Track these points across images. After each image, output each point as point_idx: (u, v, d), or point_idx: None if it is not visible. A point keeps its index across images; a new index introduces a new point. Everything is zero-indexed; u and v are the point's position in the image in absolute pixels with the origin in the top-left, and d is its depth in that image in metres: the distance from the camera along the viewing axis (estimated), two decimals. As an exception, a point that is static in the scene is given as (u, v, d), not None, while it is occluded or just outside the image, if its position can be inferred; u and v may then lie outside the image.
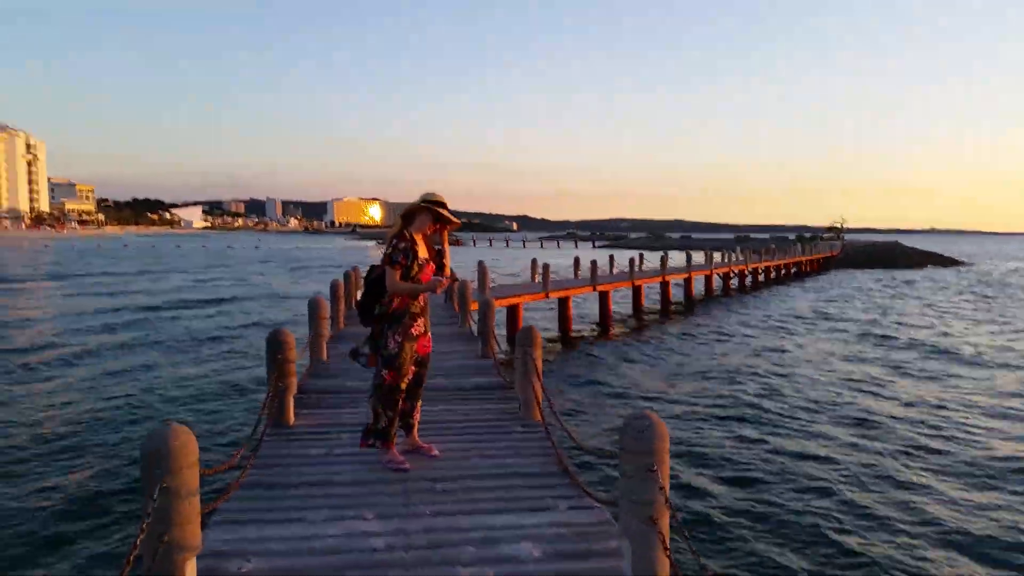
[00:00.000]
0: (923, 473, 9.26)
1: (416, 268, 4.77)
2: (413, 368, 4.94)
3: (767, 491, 8.54)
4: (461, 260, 64.90)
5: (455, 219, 4.91)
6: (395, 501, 4.25)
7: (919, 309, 29.18)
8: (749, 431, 11.07)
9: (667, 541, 3.08)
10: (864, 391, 14.00)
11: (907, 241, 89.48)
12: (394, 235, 4.84)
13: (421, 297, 4.89)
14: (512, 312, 19.21)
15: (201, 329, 22.29)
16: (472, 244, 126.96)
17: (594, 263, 23.36)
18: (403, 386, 4.86)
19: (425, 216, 4.82)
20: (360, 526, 3.88)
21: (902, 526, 7.64)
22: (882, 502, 8.25)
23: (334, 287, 12.36)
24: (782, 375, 15.39)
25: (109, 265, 57.75)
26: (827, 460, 9.74)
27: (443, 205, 4.86)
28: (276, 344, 5.94)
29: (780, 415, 12.08)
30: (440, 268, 4.94)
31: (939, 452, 10.14)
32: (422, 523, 3.92)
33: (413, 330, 4.85)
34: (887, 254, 69.28)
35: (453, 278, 4.97)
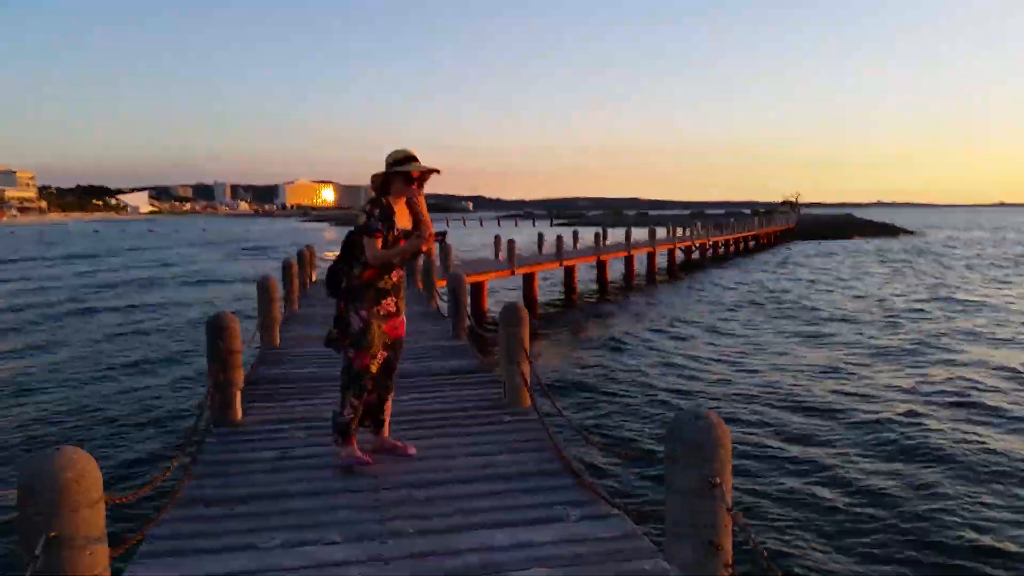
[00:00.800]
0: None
1: (392, 239, 4.04)
2: (384, 352, 4.16)
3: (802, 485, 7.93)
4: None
5: (431, 168, 4.14)
6: (368, 517, 3.46)
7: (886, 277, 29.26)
8: (771, 412, 10.50)
9: (734, 573, 2.35)
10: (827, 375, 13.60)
11: (860, 214, 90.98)
12: (369, 201, 4.12)
13: (394, 273, 4.16)
14: (476, 290, 18.41)
15: (132, 320, 19.74)
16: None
17: (560, 238, 22.67)
18: (373, 370, 4.12)
19: (399, 182, 4.06)
20: (326, 554, 3.07)
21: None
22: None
23: (287, 266, 11.42)
24: (753, 350, 14.93)
25: (44, 251, 55.09)
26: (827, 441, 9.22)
27: (413, 159, 4.09)
28: (218, 331, 5.06)
29: (767, 395, 11.56)
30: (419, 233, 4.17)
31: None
32: (404, 546, 3.13)
33: (381, 308, 4.12)
34: (841, 226, 70.39)
35: (440, 236, 4.14)
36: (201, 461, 4.27)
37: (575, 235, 27.96)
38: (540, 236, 25.41)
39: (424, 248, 4.09)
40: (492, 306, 20.43)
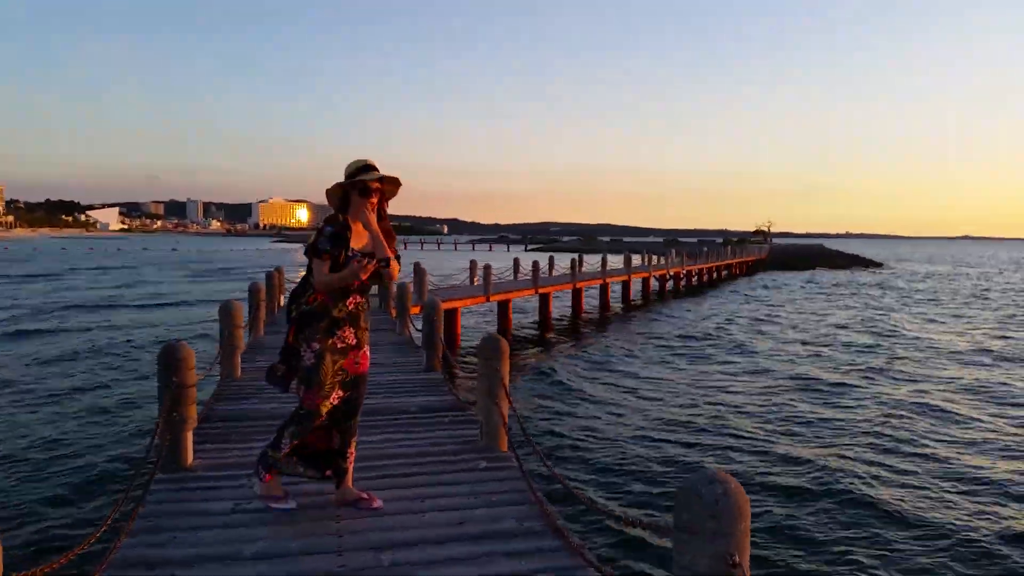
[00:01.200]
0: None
1: (346, 261, 3.60)
2: (340, 392, 3.74)
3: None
4: (392, 263, 63.10)
5: (391, 177, 3.74)
6: (327, 589, 3.04)
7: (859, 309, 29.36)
8: (744, 443, 10.19)
9: None
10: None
11: (829, 244, 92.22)
12: (325, 219, 3.73)
13: (350, 301, 3.71)
14: (449, 317, 18.01)
15: (79, 346, 18.03)
16: (403, 247, 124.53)
17: (536, 264, 22.37)
18: (324, 411, 3.68)
19: (356, 196, 3.66)
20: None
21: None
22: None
23: (253, 290, 10.94)
24: (743, 376, 14.69)
25: (6, 268, 53.57)
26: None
27: (371, 169, 3.68)
28: (169, 362, 4.62)
29: (760, 427, 11.27)
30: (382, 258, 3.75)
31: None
32: (367, 626, 2.72)
33: (337, 340, 3.68)
34: (811, 257, 71.09)
35: (382, 263, 3.72)
36: (142, 515, 3.82)
37: (551, 261, 27.72)
38: (516, 261, 25.11)
39: (363, 277, 3.63)
40: (464, 333, 20.03)
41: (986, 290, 43.23)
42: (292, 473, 3.80)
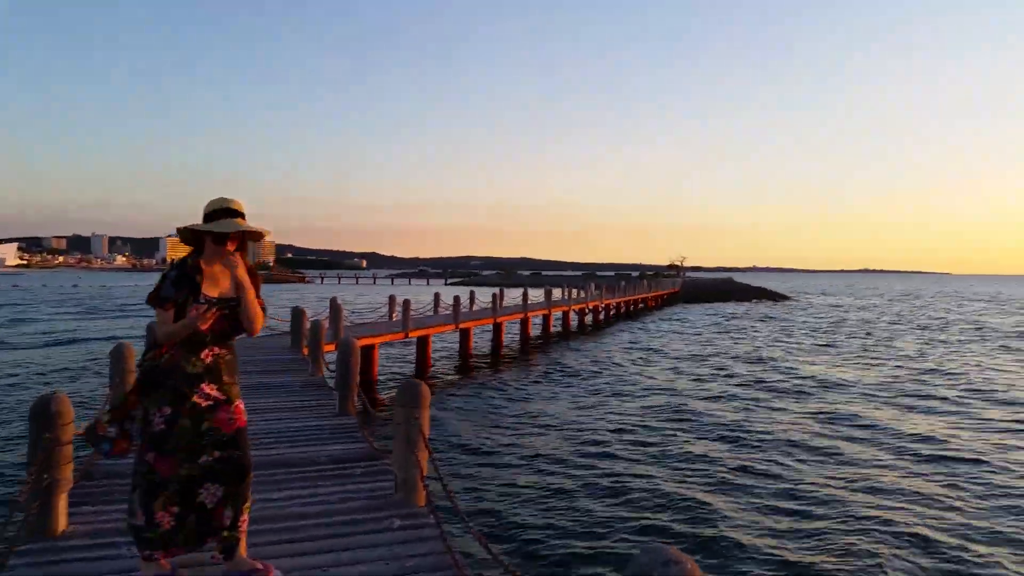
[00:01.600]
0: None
1: (193, 306, 3.17)
2: (216, 453, 3.26)
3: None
4: (308, 298, 61.37)
5: (253, 232, 3.33)
6: None
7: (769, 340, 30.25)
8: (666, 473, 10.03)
9: None
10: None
11: (737, 278, 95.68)
12: (171, 264, 3.33)
13: (205, 353, 3.24)
14: (367, 354, 17.44)
15: None
16: (320, 281, 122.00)
17: (457, 299, 22.04)
18: (178, 475, 3.20)
19: (210, 242, 3.27)
20: None
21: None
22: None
23: (150, 330, 10.17)
24: (669, 407, 14.69)
25: None
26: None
27: (231, 214, 3.27)
28: (43, 416, 4.07)
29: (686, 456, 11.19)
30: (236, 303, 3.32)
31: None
32: None
33: (199, 399, 3.21)
34: (722, 290, 73.54)
35: (220, 309, 3.25)
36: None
37: (472, 295, 27.46)
38: (436, 296, 24.74)
39: (203, 328, 3.18)
40: (383, 370, 19.46)
41: (870, 322, 45.42)
42: (166, 545, 3.27)
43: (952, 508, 9.17)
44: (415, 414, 4.57)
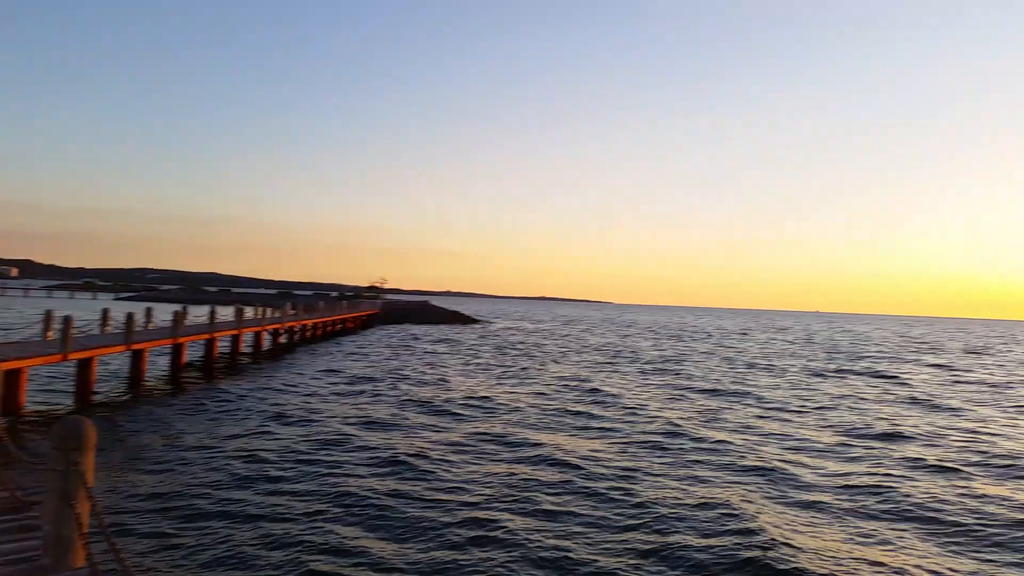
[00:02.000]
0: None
1: None
2: None
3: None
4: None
5: None
6: None
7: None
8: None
9: None
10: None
11: (432, 301, 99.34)
12: None
13: None
14: (11, 380, 14.70)
15: None
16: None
17: (130, 316, 19.57)
18: None
19: None
20: None
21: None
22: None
23: None
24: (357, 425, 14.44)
25: None
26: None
27: None
28: None
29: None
30: None
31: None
32: None
33: None
34: (421, 312, 75.74)
35: None
36: None
37: (148, 312, 24.68)
38: (105, 312, 21.77)
39: None
40: (32, 398, 16.66)
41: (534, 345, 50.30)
42: None
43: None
44: (75, 458, 3.86)
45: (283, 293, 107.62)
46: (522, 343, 49.58)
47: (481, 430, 16.13)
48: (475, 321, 79.52)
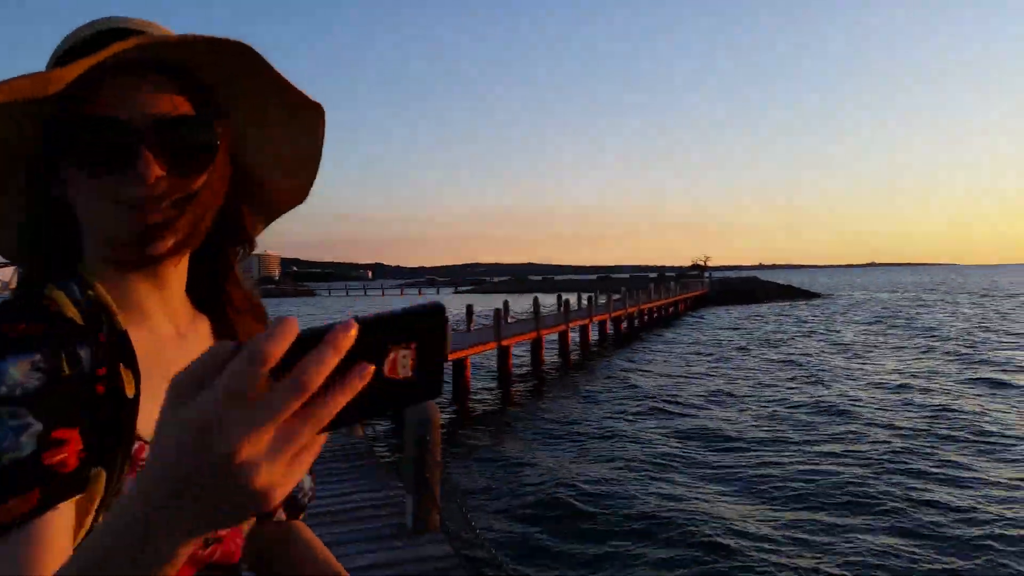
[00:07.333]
0: None
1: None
2: None
3: None
4: (323, 312, 57.74)
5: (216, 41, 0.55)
6: None
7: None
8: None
9: None
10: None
11: (744, 276, 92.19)
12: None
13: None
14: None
15: None
16: (327, 294, 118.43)
17: (498, 312, 18.76)
18: None
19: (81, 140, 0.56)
20: None
21: None
22: None
23: None
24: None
25: None
26: None
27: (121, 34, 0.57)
28: None
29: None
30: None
31: None
32: None
33: None
34: (749, 290, 69.74)
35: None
36: None
37: (505, 305, 24.19)
38: (469, 309, 21.50)
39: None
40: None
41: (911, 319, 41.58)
42: None
43: None
44: (424, 432, 3.83)
45: (602, 278, 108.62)
46: (942, 325, 36.88)
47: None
48: (816, 295, 71.37)
